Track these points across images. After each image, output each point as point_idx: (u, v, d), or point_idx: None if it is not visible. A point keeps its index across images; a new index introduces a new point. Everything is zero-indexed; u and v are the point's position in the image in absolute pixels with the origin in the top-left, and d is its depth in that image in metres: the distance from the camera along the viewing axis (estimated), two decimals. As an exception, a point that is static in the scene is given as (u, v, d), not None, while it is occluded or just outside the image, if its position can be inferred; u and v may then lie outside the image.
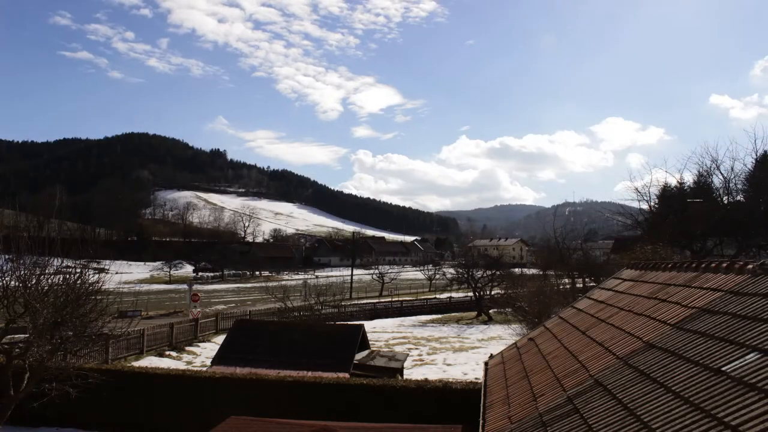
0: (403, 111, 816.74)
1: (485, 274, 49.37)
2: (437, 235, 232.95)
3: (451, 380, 14.41)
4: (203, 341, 30.25)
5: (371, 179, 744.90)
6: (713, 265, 5.74)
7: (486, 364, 8.66)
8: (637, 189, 34.65)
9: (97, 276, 12.30)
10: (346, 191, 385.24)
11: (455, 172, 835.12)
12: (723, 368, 3.55)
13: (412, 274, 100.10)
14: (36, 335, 11.03)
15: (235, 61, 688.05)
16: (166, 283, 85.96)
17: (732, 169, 32.43)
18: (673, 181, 36.66)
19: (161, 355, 25.91)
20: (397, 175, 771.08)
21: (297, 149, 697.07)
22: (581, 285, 33.92)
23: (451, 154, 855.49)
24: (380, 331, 35.94)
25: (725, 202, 33.34)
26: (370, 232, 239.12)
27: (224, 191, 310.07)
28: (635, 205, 36.14)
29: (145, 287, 72.28)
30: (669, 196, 36.65)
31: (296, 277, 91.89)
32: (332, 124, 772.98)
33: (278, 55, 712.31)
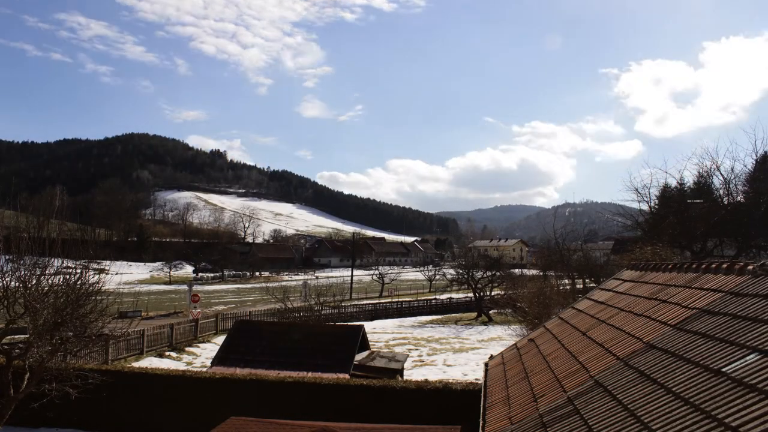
0: (353, 86, 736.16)
1: (485, 275, 49.35)
2: (437, 235, 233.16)
3: (451, 381, 14.41)
4: (203, 342, 30.23)
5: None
6: (713, 265, 5.74)
7: (486, 364, 8.65)
8: (637, 189, 34.67)
9: (97, 276, 12.29)
10: (343, 191, 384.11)
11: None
12: (723, 369, 3.55)
13: (413, 274, 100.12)
14: (36, 336, 11.03)
15: (117, 12, 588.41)
16: (166, 283, 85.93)
17: (732, 169, 32.36)
18: (673, 182, 36.70)
19: (161, 355, 25.90)
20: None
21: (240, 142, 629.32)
22: (581, 286, 33.92)
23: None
24: (380, 332, 35.93)
25: (725, 202, 33.28)
26: (370, 232, 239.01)
27: (224, 192, 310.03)
28: (635, 205, 36.16)
29: (145, 288, 72.31)
30: (669, 196, 36.61)
31: (296, 277, 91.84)
32: (270, 102, 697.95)
33: (169, 7, 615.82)
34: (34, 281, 11.00)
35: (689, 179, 37.01)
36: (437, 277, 72.36)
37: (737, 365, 3.49)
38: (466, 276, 51.08)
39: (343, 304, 41.79)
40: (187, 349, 28.10)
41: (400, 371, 18.03)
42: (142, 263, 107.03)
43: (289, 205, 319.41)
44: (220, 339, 25.08)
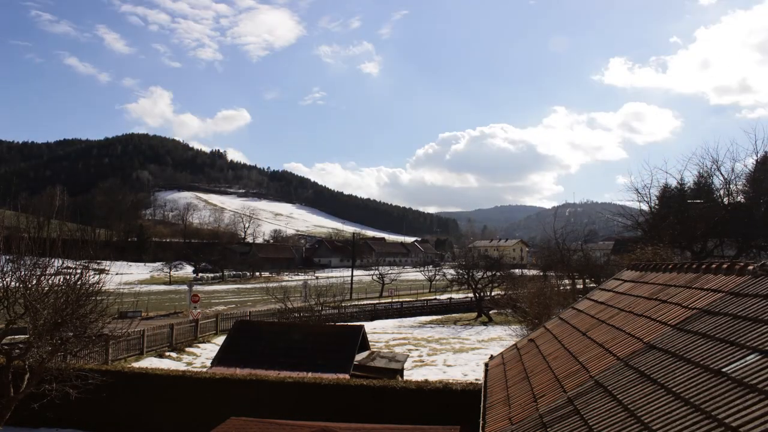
0: (331, 54, 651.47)
1: (485, 275, 49.34)
2: (437, 236, 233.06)
3: (451, 381, 14.41)
4: (203, 342, 30.23)
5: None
6: (713, 266, 5.74)
7: (486, 365, 8.65)
8: (637, 190, 34.72)
9: (97, 277, 12.28)
10: (343, 192, 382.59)
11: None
12: (723, 369, 3.54)
13: (413, 275, 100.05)
14: (36, 336, 11.02)
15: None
16: (166, 283, 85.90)
17: (732, 169, 32.44)
18: (673, 182, 36.77)
19: (161, 356, 25.90)
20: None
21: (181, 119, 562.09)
22: (581, 286, 33.92)
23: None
24: (380, 332, 35.92)
25: (726, 203, 33.32)
26: (370, 232, 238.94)
27: (224, 192, 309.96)
28: (635, 205, 36.20)
29: (145, 288, 72.16)
30: (669, 196, 36.69)
31: (296, 277, 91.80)
32: (220, 82, 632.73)
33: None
34: (35, 281, 11.00)
35: (689, 179, 37.10)
36: (437, 277, 72.30)
37: (737, 365, 3.49)
38: (466, 276, 51.06)
39: (343, 305, 41.75)
40: (187, 349, 28.09)
41: (400, 371, 18.02)
42: (142, 263, 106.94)
43: (289, 205, 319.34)
44: (220, 339, 25.08)
